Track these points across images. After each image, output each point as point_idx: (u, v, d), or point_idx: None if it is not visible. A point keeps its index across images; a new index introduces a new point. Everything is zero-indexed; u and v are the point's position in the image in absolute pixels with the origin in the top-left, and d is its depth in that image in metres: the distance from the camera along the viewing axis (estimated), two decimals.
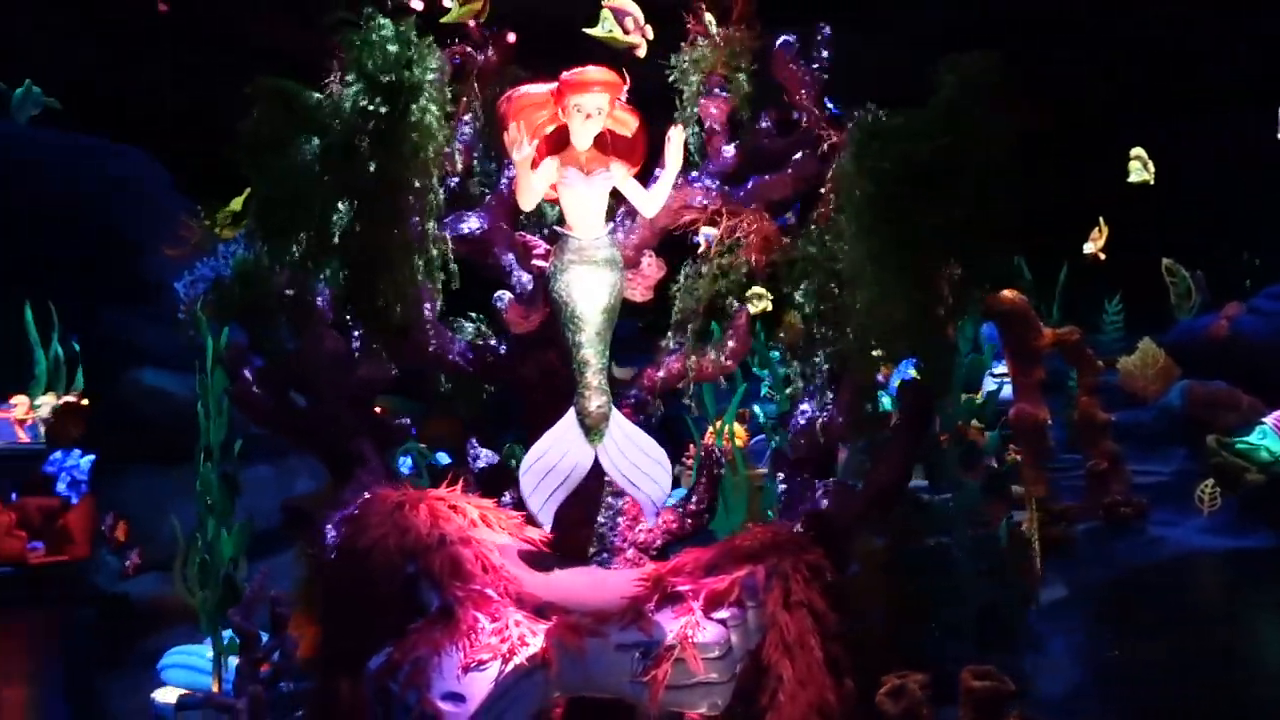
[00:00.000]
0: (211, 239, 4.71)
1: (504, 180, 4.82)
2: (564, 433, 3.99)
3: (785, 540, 3.94)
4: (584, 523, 4.54)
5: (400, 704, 3.14)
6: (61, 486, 6.84)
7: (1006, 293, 9.81)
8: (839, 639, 3.87)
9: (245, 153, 4.17)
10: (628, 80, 4.26)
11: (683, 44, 5.22)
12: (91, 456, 7.09)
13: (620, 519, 4.64)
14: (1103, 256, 12.60)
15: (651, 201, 4.29)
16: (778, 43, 5.11)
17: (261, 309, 4.58)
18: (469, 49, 5.16)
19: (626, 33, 4.83)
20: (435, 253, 4.26)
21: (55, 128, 7.91)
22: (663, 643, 3.37)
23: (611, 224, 4.32)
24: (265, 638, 4.14)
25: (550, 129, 4.26)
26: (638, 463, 4.03)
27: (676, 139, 4.21)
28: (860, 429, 4.22)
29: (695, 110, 5.12)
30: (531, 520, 4.07)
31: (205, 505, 4.85)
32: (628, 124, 4.31)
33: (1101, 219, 12.43)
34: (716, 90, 5.07)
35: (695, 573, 3.78)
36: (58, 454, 7.04)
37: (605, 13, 4.97)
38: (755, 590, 3.69)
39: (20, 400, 7.46)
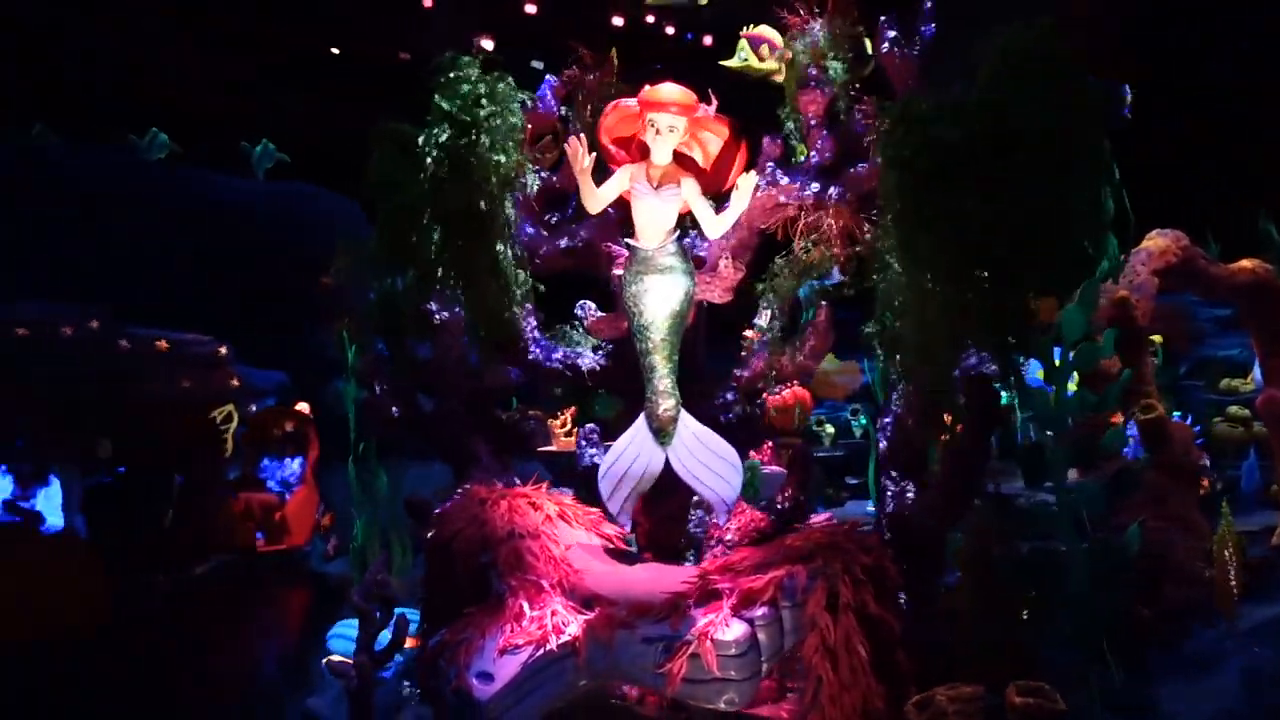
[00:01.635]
0: (361, 269, 5.38)
1: None
2: (636, 436, 4.22)
3: (840, 541, 3.88)
4: (674, 519, 4.72)
5: (444, 678, 3.53)
6: (272, 485, 8.04)
7: (1245, 263, 8.57)
8: (899, 644, 3.78)
9: (371, 192, 4.79)
10: (712, 101, 4.39)
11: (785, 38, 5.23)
12: (300, 459, 8.25)
13: (710, 516, 4.75)
14: None
15: (714, 226, 4.40)
16: (879, 28, 4.99)
17: (395, 327, 5.18)
18: (579, 71, 5.50)
19: (762, 60, 4.95)
20: (518, 271, 4.61)
21: (283, 179, 9.31)
22: (684, 638, 3.49)
23: (678, 232, 4.45)
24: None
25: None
26: (708, 463, 4.17)
27: (745, 185, 4.31)
28: (928, 428, 4.04)
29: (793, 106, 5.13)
30: (611, 519, 4.36)
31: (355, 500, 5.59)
32: (710, 145, 4.46)
33: None
34: (813, 84, 5.03)
35: (743, 571, 3.85)
36: (266, 461, 8.25)
37: (742, 43, 5.13)
38: (795, 591, 3.69)
39: None
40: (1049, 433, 4.20)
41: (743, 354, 4.92)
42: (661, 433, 4.18)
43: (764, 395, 5.03)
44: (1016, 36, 3.59)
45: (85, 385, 7.81)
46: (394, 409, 5.06)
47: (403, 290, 4.89)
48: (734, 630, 3.50)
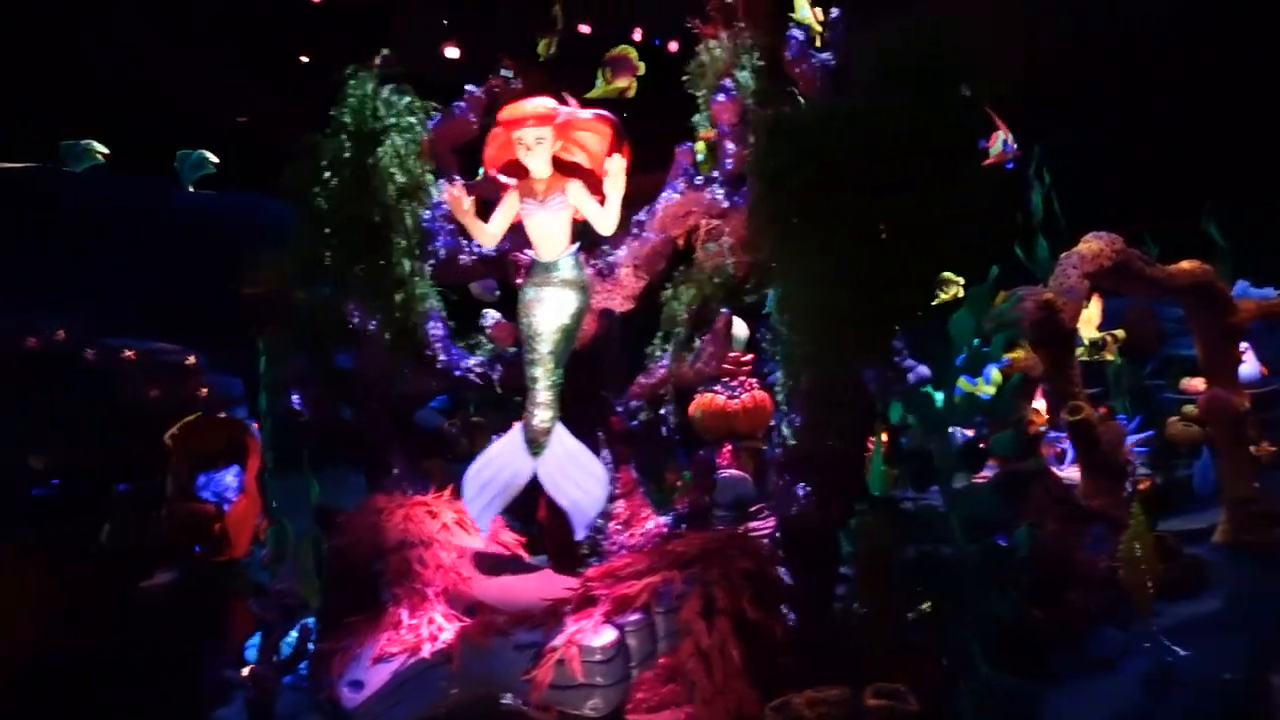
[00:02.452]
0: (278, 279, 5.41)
1: None
2: (508, 444, 4.25)
3: (721, 547, 3.93)
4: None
5: (319, 686, 3.58)
6: (207, 496, 8.02)
7: (1186, 264, 8.63)
8: (780, 649, 3.82)
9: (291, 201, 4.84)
10: (569, 102, 4.43)
11: (698, 48, 5.30)
12: (236, 469, 8.21)
13: (611, 523, 4.80)
14: None
15: (603, 222, 4.43)
16: (786, 37, 5.06)
17: (314, 336, 5.22)
18: (503, 81, 5.55)
19: (610, 81, 5.03)
20: (425, 280, 4.66)
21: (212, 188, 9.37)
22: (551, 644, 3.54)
23: (576, 245, 4.49)
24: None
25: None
26: (575, 477, 4.20)
27: (614, 169, 4.33)
28: (814, 433, 4.08)
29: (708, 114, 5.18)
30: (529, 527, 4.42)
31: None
32: (590, 146, 4.49)
33: None
34: (724, 93, 5.09)
35: (624, 578, 3.89)
36: (201, 478, 8.21)
37: (599, 74, 5.21)
38: (669, 596, 3.74)
39: None
40: (936, 436, 4.25)
41: (647, 362, 4.96)
42: (534, 443, 4.22)
43: (699, 398, 5.08)
44: (892, 40, 3.64)
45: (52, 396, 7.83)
46: (310, 418, 5.10)
47: (318, 300, 4.93)
48: (601, 636, 3.54)
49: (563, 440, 4.29)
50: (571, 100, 4.51)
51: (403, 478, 4.97)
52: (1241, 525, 8.26)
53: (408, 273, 4.55)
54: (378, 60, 4.61)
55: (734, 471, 7.14)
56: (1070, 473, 8.57)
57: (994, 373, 6.62)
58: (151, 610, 7.37)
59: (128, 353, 8.74)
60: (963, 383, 7.10)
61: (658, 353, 4.99)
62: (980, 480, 4.84)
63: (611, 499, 4.87)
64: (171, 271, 10.16)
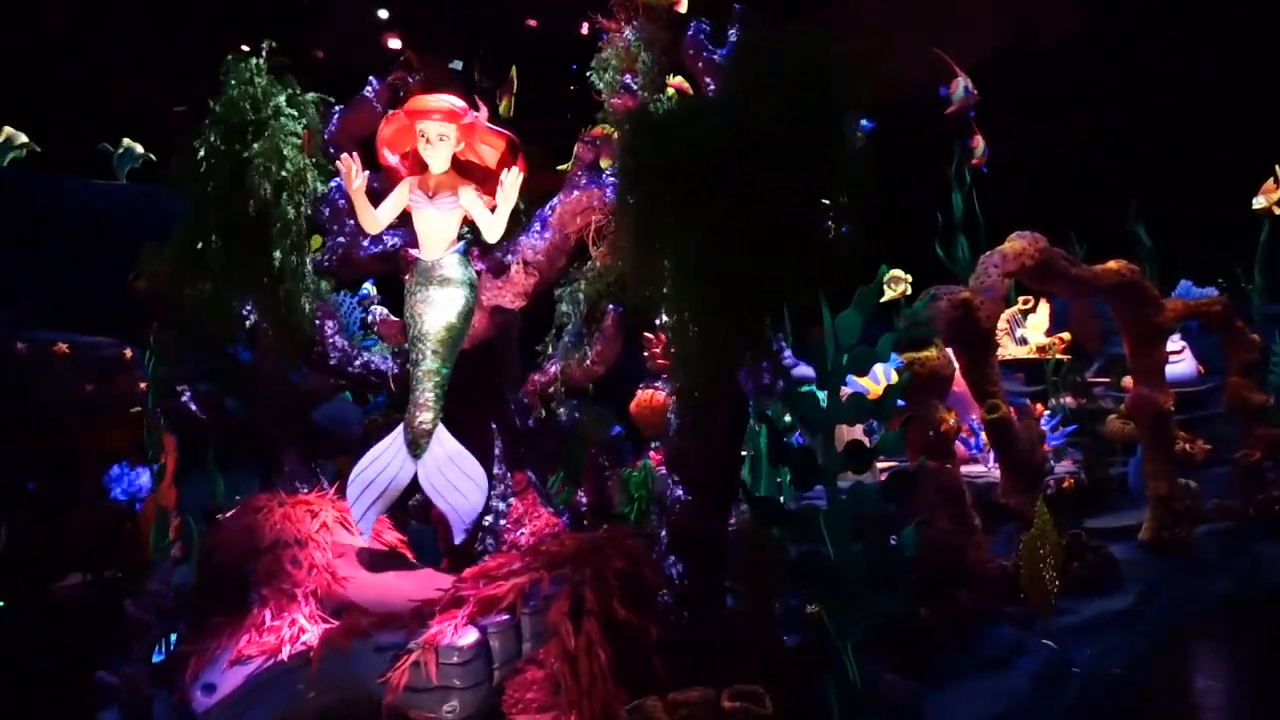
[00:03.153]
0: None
1: None
2: (391, 445, 4.18)
3: (594, 547, 3.89)
4: (470, 525, 4.71)
5: (173, 689, 3.50)
6: (118, 495, 7.89)
7: (1112, 264, 8.71)
8: (653, 649, 3.79)
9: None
10: (481, 108, 4.37)
11: (600, 44, 5.24)
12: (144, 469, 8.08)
13: (502, 521, 4.75)
14: (1278, 210, 10.90)
15: (491, 231, 4.36)
16: (688, 32, 5.01)
17: (203, 333, 5.11)
18: (407, 75, 5.47)
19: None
20: (309, 275, 4.57)
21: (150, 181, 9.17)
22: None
23: (462, 243, 4.42)
24: None
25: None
26: (453, 479, 4.14)
27: (510, 181, 4.28)
28: (687, 433, 4.04)
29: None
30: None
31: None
32: (488, 157, 4.43)
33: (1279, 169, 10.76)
34: (623, 90, 5.03)
35: (497, 578, 3.84)
36: (116, 473, 8.08)
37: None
38: (537, 597, 3.69)
39: None
40: (819, 436, 4.22)
41: (539, 359, 4.91)
42: (415, 445, 4.15)
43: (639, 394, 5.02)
44: (758, 37, 3.61)
45: None
46: (199, 415, 5.00)
47: (204, 296, 4.82)
48: (461, 638, 3.49)
49: (443, 442, 4.22)
50: (484, 107, 4.45)
51: (296, 476, 4.88)
52: (1163, 523, 8.37)
53: (287, 267, 4.44)
54: (264, 51, 4.50)
55: None
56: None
57: (895, 373, 6.63)
58: (50, 613, 7.24)
59: (60, 346, 8.59)
60: (866, 381, 7.13)
61: (549, 350, 4.94)
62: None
63: (504, 498, 4.82)
64: (101, 266, 9.94)
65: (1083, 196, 9.85)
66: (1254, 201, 10.64)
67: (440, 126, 4.28)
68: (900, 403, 6.79)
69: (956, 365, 7.21)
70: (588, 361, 4.73)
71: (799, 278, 3.62)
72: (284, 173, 4.36)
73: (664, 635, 3.91)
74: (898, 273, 12.26)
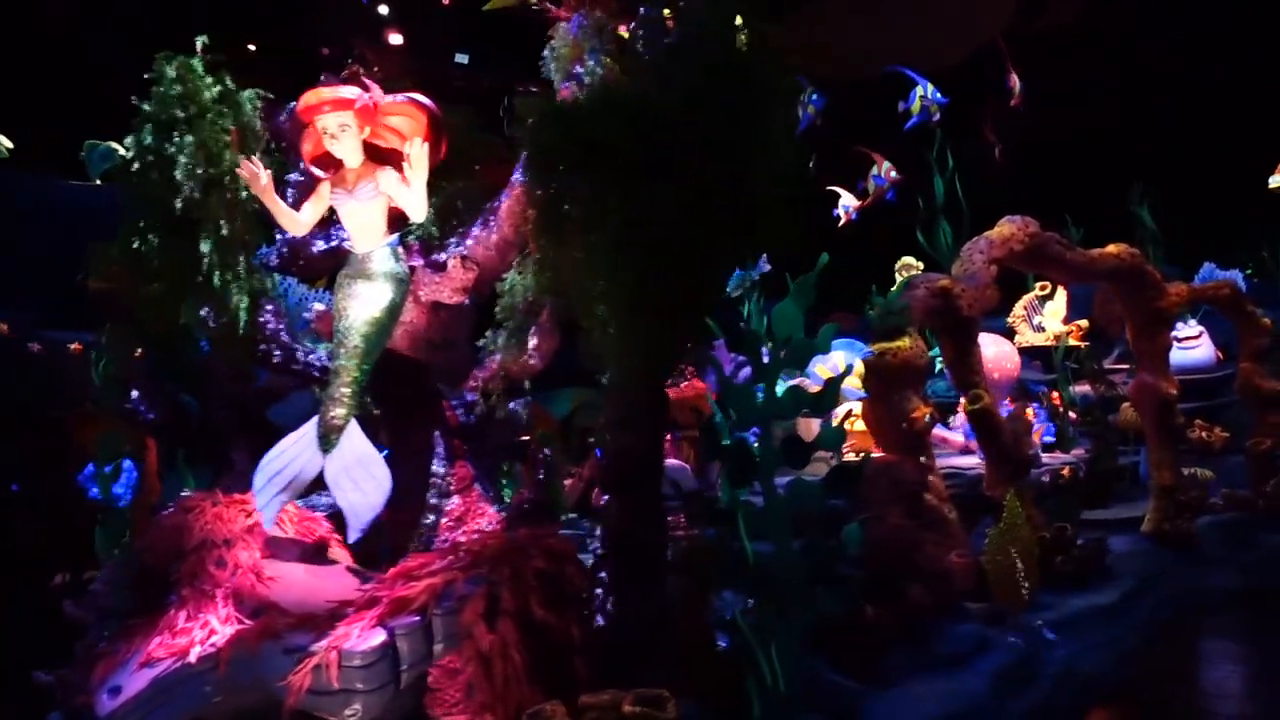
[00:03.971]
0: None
1: None
2: (302, 437, 4.11)
3: (517, 546, 3.81)
4: (407, 524, 4.66)
5: (82, 690, 3.48)
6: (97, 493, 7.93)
7: (1112, 248, 8.43)
8: (575, 650, 3.71)
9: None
10: (370, 88, 4.26)
11: (550, 32, 5.15)
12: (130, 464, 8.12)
13: (443, 519, 4.69)
14: None
15: (412, 209, 4.26)
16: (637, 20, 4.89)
17: (154, 331, 5.11)
18: (358, 70, 5.42)
19: None
20: (245, 273, 4.54)
21: None
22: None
23: (394, 238, 4.33)
24: None
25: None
26: (357, 477, 4.05)
27: (416, 153, 4.15)
28: (615, 431, 3.93)
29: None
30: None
31: None
32: (405, 132, 4.32)
33: None
34: (572, 80, 4.93)
35: (417, 577, 3.78)
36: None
37: None
38: (451, 597, 3.63)
39: None
40: (756, 432, 4.11)
41: (481, 355, 4.84)
42: (325, 439, 4.07)
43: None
44: (657, 15, 3.48)
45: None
46: (148, 414, 5.00)
47: (150, 294, 4.81)
48: (365, 640, 3.43)
49: (353, 439, 4.13)
50: (374, 86, 4.33)
51: (248, 474, 4.85)
52: (1165, 514, 8.10)
53: (215, 265, 4.39)
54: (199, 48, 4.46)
55: (673, 461, 7.02)
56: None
57: (858, 363, 6.46)
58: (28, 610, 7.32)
59: (74, 345, 8.69)
60: (821, 370, 6.97)
61: (491, 345, 4.86)
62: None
63: (445, 495, 4.75)
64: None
65: (1084, 180, 9.54)
66: (1270, 180, 10.25)
67: (336, 117, 4.16)
68: (860, 394, 6.66)
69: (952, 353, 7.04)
70: (525, 356, 4.64)
71: (718, 269, 3.50)
72: (213, 170, 4.31)
73: (589, 636, 3.83)
74: (909, 260, 12.03)
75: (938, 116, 7.48)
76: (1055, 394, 11.22)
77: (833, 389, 4.28)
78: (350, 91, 4.16)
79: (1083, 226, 8.98)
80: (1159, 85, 9.79)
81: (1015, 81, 8.86)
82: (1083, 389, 11.43)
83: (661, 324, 3.58)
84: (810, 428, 5.92)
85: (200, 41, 4.55)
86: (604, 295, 3.59)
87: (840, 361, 6.36)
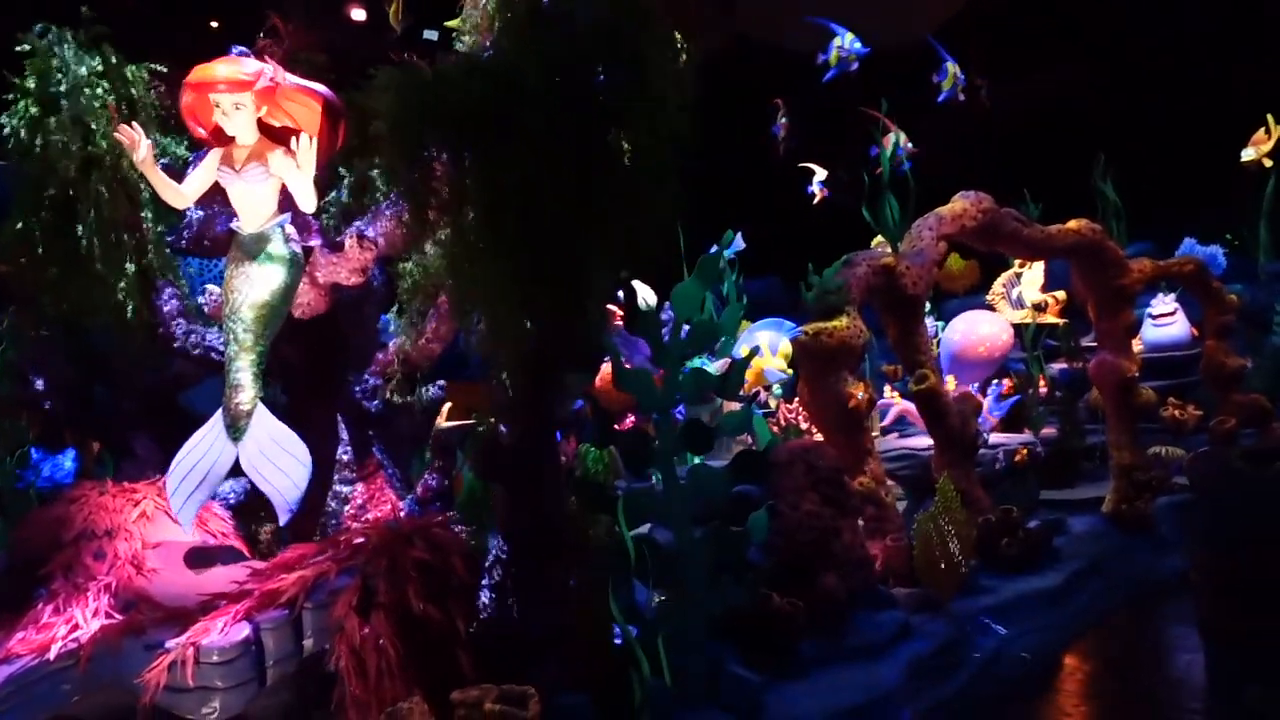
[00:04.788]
0: None
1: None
2: (211, 430, 3.98)
3: (400, 536, 3.68)
4: (310, 512, 4.54)
5: None
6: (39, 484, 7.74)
7: (1073, 224, 8.24)
8: (459, 643, 3.59)
9: None
10: (274, 69, 4.09)
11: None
12: (72, 452, 7.95)
13: (346, 508, 4.57)
14: (1269, 164, 10.28)
15: (300, 198, 4.09)
16: None
17: (57, 315, 4.95)
18: (271, 42, 5.23)
19: None
20: (129, 250, 4.39)
21: None
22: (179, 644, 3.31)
23: (283, 217, 4.17)
24: None
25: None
26: (275, 459, 3.92)
27: (301, 146, 3.99)
28: (495, 414, 3.79)
29: None
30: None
31: None
32: (301, 119, 4.16)
33: (1271, 118, 10.13)
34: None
35: (289, 569, 3.66)
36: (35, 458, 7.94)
37: None
38: (323, 590, 3.50)
39: None
40: (655, 416, 3.97)
41: (383, 339, 4.69)
42: (234, 427, 3.94)
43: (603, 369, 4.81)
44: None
45: None
46: (49, 402, 4.87)
47: (48, 278, 4.65)
48: (227, 636, 3.31)
49: (264, 422, 4.00)
50: (274, 64, 4.16)
51: (151, 463, 4.73)
52: (1124, 495, 7.96)
53: (95, 247, 4.23)
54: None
55: None
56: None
57: (783, 344, 6.30)
58: None
59: None
60: (759, 361, 6.80)
61: (392, 328, 4.71)
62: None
63: (349, 483, 4.63)
64: None
65: (1049, 154, 9.32)
66: (1243, 153, 10.03)
67: (232, 96, 4.00)
68: (780, 376, 6.49)
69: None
70: (423, 340, 4.49)
71: (588, 248, 3.34)
72: (91, 148, 4.15)
73: (475, 630, 3.71)
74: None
75: (855, 66, 7.28)
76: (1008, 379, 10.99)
77: (739, 371, 4.13)
78: (250, 71, 3.99)
79: (1045, 202, 8.78)
80: (1129, 51, 9.53)
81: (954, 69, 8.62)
82: (1060, 366, 11.27)
83: (530, 307, 3.42)
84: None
85: (86, 12, 4.38)
86: (471, 277, 3.44)
87: (764, 343, 6.19)
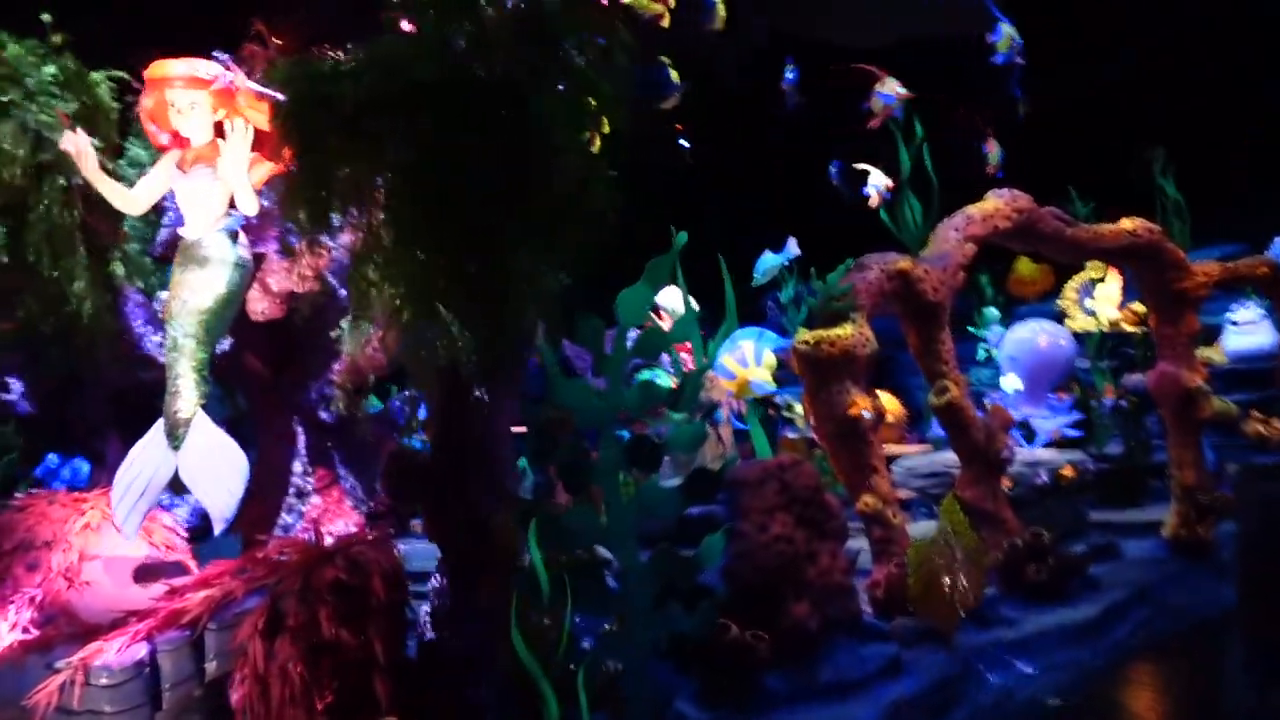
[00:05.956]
0: None
1: None
2: (151, 439, 3.89)
3: (321, 555, 3.51)
4: (261, 525, 4.42)
5: None
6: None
7: (1126, 223, 7.61)
8: (374, 667, 3.40)
9: None
10: (235, 71, 4.00)
11: None
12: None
13: (301, 521, 4.44)
14: None
15: (246, 203, 3.98)
16: None
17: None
18: (254, 47, 5.19)
19: None
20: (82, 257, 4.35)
21: None
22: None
23: (231, 220, 4.06)
24: None
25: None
26: (214, 469, 3.80)
27: (235, 132, 3.88)
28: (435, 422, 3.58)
29: None
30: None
31: None
32: (260, 124, 4.06)
33: None
34: None
35: (208, 587, 3.52)
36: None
37: None
38: (228, 610, 3.35)
39: None
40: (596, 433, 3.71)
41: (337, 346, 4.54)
42: (173, 436, 3.83)
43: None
44: None
45: None
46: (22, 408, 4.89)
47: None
48: (120, 656, 3.18)
49: (204, 430, 3.89)
50: (237, 69, 4.08)
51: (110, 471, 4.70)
52: (1184, 518, 7.29)
53: (46, 255, 4.20)
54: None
55: None
56: (1039, 453, 7.76)
57: (768, 355, 5.91)
58: None
59: None
60: (729, 362, 6.41)
61: (344, 337, 4.55)
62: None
63: (303, 495, 4.50)
64: None
65: (1099, 150, 8.63)
66: None
67: (189, 95, 3.93)
68: (766, 389, 6.08)
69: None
70: (369, 349, 4.32)
71: (500, 246, 3.11)
72: (43, 155, 4.12)
73: (396, 655, 3.50)
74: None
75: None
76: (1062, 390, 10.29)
77: (693, 383, 3.83)
78: (208, 71, 3.92)
79: (1098, 200, 8.15)
80: (1191, 36, 8.74)
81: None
82: (1137, 377, 10.54)
83: (438, 311, 3.21)
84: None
85: (46, 18, 4.36)
86: (379, 278, 3.25)
87: (749, 353, 5.82)
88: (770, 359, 5.85)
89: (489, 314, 3.30)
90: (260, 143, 3.92)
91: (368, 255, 3.26)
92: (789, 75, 7.34)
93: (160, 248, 4.83)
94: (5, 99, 4.10)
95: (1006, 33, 8.11)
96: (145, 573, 4.04)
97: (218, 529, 3.87)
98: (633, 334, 3.90)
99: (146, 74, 4.00)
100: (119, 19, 4.79)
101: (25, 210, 4.21)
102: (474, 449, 3.50)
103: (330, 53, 3.32)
